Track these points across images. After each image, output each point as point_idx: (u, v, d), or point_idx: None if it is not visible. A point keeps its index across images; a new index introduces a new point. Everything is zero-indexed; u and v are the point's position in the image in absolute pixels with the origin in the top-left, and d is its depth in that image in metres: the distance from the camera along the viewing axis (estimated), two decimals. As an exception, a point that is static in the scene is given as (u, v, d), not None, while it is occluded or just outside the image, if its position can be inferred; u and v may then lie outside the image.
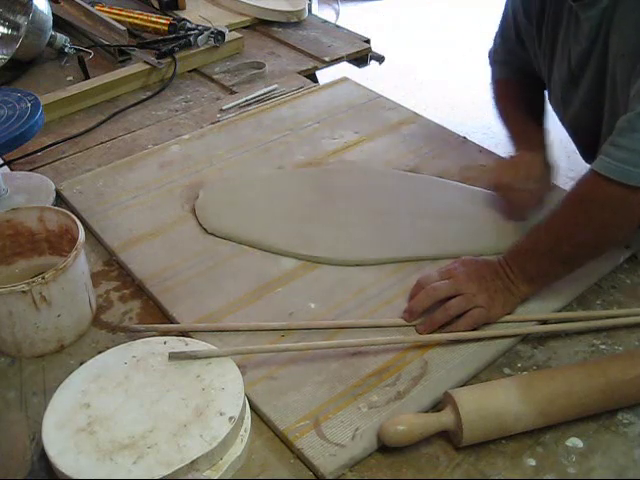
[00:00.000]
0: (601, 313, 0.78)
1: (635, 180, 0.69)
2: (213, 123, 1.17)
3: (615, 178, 0.70)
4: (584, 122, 0.90)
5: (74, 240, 0.74)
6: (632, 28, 0.75)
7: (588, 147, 0.95)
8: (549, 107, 1.00)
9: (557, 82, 0.90)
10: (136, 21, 1.47)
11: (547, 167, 0.93)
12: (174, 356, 0.67)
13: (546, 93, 0.99)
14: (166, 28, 1.43)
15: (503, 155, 1.08)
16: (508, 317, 0.77)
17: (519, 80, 1.01)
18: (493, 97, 1.05)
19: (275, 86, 1.27)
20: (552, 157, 0.95)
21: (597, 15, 0.78)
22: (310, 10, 1.62)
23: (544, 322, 0.77)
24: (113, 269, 0.87)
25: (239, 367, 0.68)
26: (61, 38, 1.38)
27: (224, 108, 1.21)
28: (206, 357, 0.68)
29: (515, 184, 0.90)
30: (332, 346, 0.73)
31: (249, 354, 0.72)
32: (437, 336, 0.75)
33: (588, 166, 0.75)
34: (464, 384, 0.70)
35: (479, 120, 2.47)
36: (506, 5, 0.98)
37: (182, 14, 1.54)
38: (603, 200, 0.73)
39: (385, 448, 0.64)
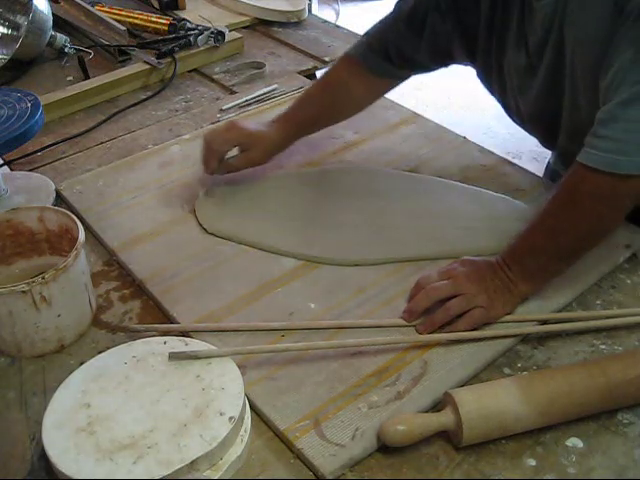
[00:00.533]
0: (601, 313, 0.78)
1: (623, 168, 0.70)
2: (213, 123, 1.17)
3: (602, 168, 0.70)
4: (542, 109, 0.90)
5: (74, 240, 0.74)
6: (588, 15, 0.75)
7: (547, 134, 0.96)
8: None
9: (512, 70, 0.89)
10: (136, 21, 1.47)
11: (258, 142, 0.95)
12: (174, 356, 0.67)
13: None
14: (166, 28, 1.43)
15: (503, 155, 1.08)
16: (508, 317, 0.77)
17: (369, 65, 0.98)
18: (328, 69, 1.04)
19: (275, 86, 1.27)
20: (281, 144, 0.97)
21: (551, 3, 0.78)
22: (310, 10, 1.63)
23: (544, 322, 0.77)
24: (113, 269, 0.87)
25: (239, 367, 0.68)
26: (61, 38, 1.38)
27: (224, 108, 1.21)
28: (206, 357, 0.68)
29: (210, 143, 0.93)
30: (332, 346, 0.73)
31: (249, 354, 0.72)
32: (437, 336, 0.75)
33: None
34: (464, 384, 0.70)
35: (479, 120, 2.47)
36: None
37: (182, 14, 1.54)
38: (593, 192, 0.73)
39: (385, 448, 0.64)
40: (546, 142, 0.99)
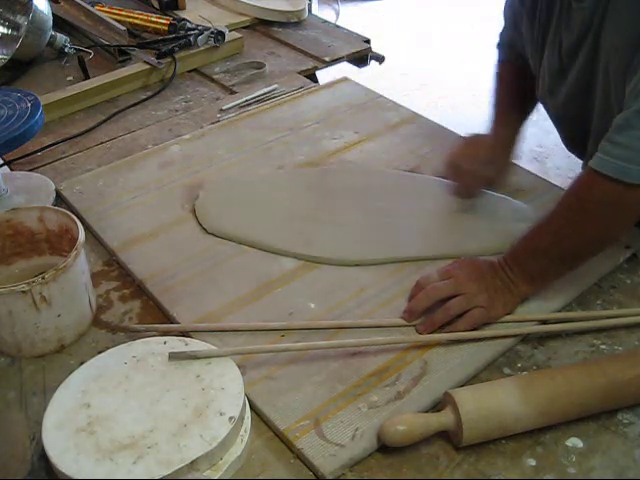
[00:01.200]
0: (601, 313, 0.78)
1: (633, 177, 0.69)
2: (213, 123, 1.17)
3: (613, 175, 0.70)
4: (570, 113, 0.90)
5: (74, 240, 0.74)
6: (626, 21, 0.74)
7: (573, 138, 0.96)
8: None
9: (546, 71, 0.89)
10: (136, 21, 1.47)
11: (503, 151, 0.94)
12: (174, 356, 0.67)
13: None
14: (166, 28, 1.43)
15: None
16: (508, 317, 0.77)
17: (519, 64, 1.00)
18: (493, 79, 1.04)
19: (275, 86, 1.27)
20: (516, 144, 0.96)
21: (591, 6, 0.77)
22: (310, 10, 1.63)
23: (544, 322, 0.77)
24: (113, 269, 0.87)
25: (239, 367, 0.68)
26: (61, 38, 1.38)
27: (224, 108, 1.21)
28: (206, 357, 0.68)
29: (462, 164, 0.91)
30: (332, 346, 0.73)
31: (249, 354, 0.72)
32: (437, 336, 0.75)
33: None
34: (464, 384, 0.70)
35: (479, 120, 2.47)
36: None
37: (182, 14, 1.54)
38: (601, 198, 0.73)
39: (385, 448, 0.64)
40: (572, 147, 0.98)
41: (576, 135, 0.93)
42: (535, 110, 1.01)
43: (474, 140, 0.95)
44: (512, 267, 0.77)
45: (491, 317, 0.76)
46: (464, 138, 0.98)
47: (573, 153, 0.99)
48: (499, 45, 1.03)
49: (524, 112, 1.00)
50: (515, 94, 0.99)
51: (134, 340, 0.71)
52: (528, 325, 0.76)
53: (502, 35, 1.02)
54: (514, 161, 0.97)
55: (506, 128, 0.96)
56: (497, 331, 0.75)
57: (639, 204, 0.73)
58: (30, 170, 1.05)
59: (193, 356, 0.68)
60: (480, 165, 0.92)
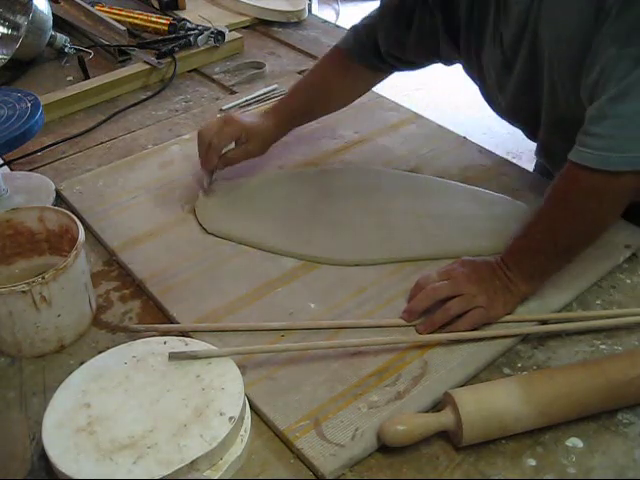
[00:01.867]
0: (601, 313, 0.78)
1: (615, 165, 0.70)
2: (213, 123, 1.16)
3: (595, 166, 0.71)
4: (522, 105, 0.90)
5: (74, 240, 0.74)
6: (565, 12, 0.74)
7: (527, 127, 0.96)
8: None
9: (489, 67, 0.89)
10: (136, 21, 1.47)
11: (254, 134, 0.95)
12: (174, 356, 0.67)
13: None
14: (166, 28, 1.43)
15: (503, 155, 1.08)
16: (508, 317, 0.77)
17: (361, 60, 1.00)
18: (319, 60, 1.05)
19: (275, 86, 1.27)
20: (276, 134, 0.99)
21: (526, 0, 0.78)
22: (310, 10, 1.63)
23: (544, 322, 0.77)
24: (113, 269, 0.87)
25: (239, 367, 0.68)
26: (61, 38, 1.38)
27: (224, 108, 1.21)
28: (206, 357, 0.68)
29: (206, 136, 0.93)
30: (332, 346, 0.73)
31: (249, 354, 0.72)
32: (437, 336, 0.75)
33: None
34: (464, 384, 0.70)
35: (479, 120, 2.47)
36: None
37: (182, 14, 1.54)
38: (586, 190, 0.73)
39: (385, 448, 0.64)
40: (528, 135, 0.99)
41: (528, 124, 0.93)
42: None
43: (227, 117, 0.95)
44: (510, 266, 0.77)
45: (491, 317, 0.76)
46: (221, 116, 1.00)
47: (530, 139, 0.99)
48: (355, 28, 1.01)
49: (312, 113, 1.03)
50: (321, 90, 1.01)
51: (134, 340, 0.71)
52: (528, 325, 0.76)
53: (369, 23, 0.99)
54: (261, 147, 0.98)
55: (277, 117, 0.98)
56: (497, 331, 0.75)
57: (624, 191, 0.73)
58: (30, 170, 1.05)
59: (193, 356, 0.68)
60: (220, 141, 0.93)
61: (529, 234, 0.78)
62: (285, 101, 1.02)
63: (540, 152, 0.96)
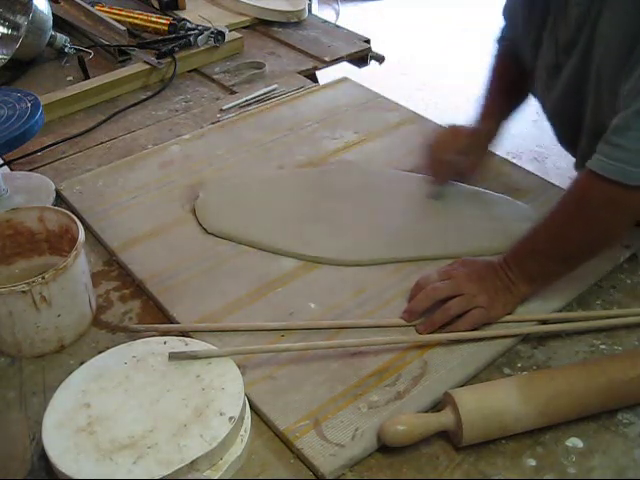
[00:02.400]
0: (601, 313, 0.78)
1: (632, 179, 0.69)
2: (213, 123, 1.17)
3: (612, 177, 0.70)
4: (564, 110, 0.90)
5: (74, 240, 0.74)
6: (621, 19, 0.74)
7: (566, 136, 0.96)
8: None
9: (542, 67, 0.90)
10: (136, 21, 1.47)
11: (481, 143, 0.96)
12: (174, 356, 0.67)
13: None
14: (166, 28, 1.43)
15: (503, 155, 1.08)
16: (508, 317, 0.77)
17: (514, 60, 1.00)
18: (488, 72, 1.04)
19: (275, 86, 1.27)
20: (495, 137, 0.98)
21: (587, 2, 0.77)
22: (310, 10, 1.63)
23: (544, 322, 0.77)
24: (113, 269, 0.87)
25: (239, 367, 0.68)
26: (61, 38, 1.38)
27: (224, 108, 1.21)
28: (206, 357, 0.68)
29: (436, 153, 0.93)
30: (332, 346, 0.73)
31: (249, 354, 0.72)
32: (437, 336, 0.75)
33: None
34: (464, 384, 0.70)
35: (479, 120, 2.47)
36: None
37: (182, 14, 1.54)
38: (600, 200, 0.73)
39: (385, 448, 0.64)
40: (566, 144, 0.98)
41: (569, 132, 0.93)
42: (527, 107, 1.02)
43: (453, 130, 0.96)
44: (512, 268, 0.77)
45: (491, 317, 0.76)
46: (444, 127, 0.99)
47: (567, 150, 0.99)
48: (498, 40, 1.03)
49: (511, 107, 1.00)
50: (505, 89, 1.00)
51: (134, 340, 0.71)
52: (528, 325, 0.76)
53: (502, 31, 1.02)
54: (493, 152, 0.99)
55: (489, 121, 0.98)
56: (497, 331, 0.75)
57: (638, 206, 0.72)
58: (30, 170, 1.05)
59: (193, 356, 0.68)
60: (454, 155, 0.92)
61: (536, 236, 0.77)
62: (491, 105, 1.00)
63: (579, 163, 0.95)
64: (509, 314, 0.77)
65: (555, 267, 0.78)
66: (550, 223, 0.77)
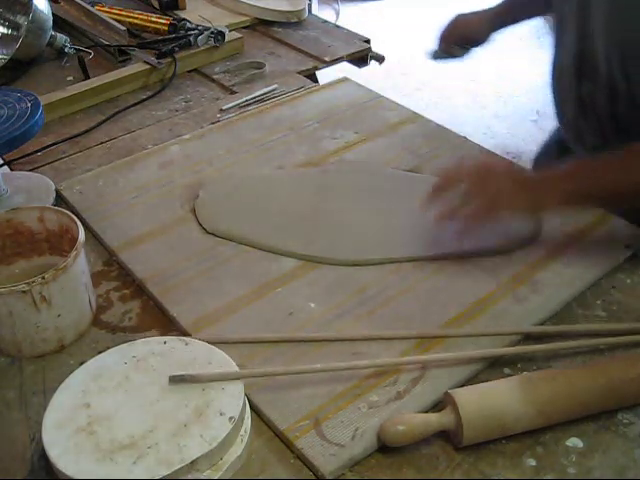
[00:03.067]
0: (603, 327, 0.76)
1: None
2: (213, 123, 1.17)
3: None
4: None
5: (74, 240, 0.74)
6: None
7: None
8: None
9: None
10: (136, 21, 1.47)
11: (487, 26, 1.10)
12: (174, 380, 0.65)
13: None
14: (166, 28, 1.43)
15: (503, 155, 1.08)
16: (505, 325, 0.76)
17: None
18: None
19: (275, 86, 1.27)
20: (500, 25, 1.12)
21: None
22: (310, 10, 1.62)
23: (540, 336, 0.76)
24: (113, 269, 0.87)
25: (239, 367, 0.68)
26: (61, 38, 1.38)
27: (224, 108, 1.21)
28: (209, 381, 0.65)
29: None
30: (348, 367, 0.70)
31: (252, 356, 0.72)
32: (441, 353, 0.74)
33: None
34: (464, 384, 0.70)
35: (479, 120, 2.47)
36: None
37: (182, 14, 1.54)
38: None
39: (385, 448, 0.64)
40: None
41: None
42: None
43: (461, 20, 1.03)
44: (551, 192, 0.79)
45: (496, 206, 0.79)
46: (451, 20, 1.15)
47: (559, 123, 1.00)
48: None
49: (524, 17, 1.13)
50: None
51: (134, 340, 0.71)
52: (528, 325, 0.76)
53: None
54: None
55: (496, 12, 1.11)
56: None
57: None
58: (30, 170, 1.05)
59: (196, 380, 0.65)
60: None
61: (589, 174, 0.80)
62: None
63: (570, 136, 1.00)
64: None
65: (593, 203, 0.82)
66: (610, 167, 0.79)
